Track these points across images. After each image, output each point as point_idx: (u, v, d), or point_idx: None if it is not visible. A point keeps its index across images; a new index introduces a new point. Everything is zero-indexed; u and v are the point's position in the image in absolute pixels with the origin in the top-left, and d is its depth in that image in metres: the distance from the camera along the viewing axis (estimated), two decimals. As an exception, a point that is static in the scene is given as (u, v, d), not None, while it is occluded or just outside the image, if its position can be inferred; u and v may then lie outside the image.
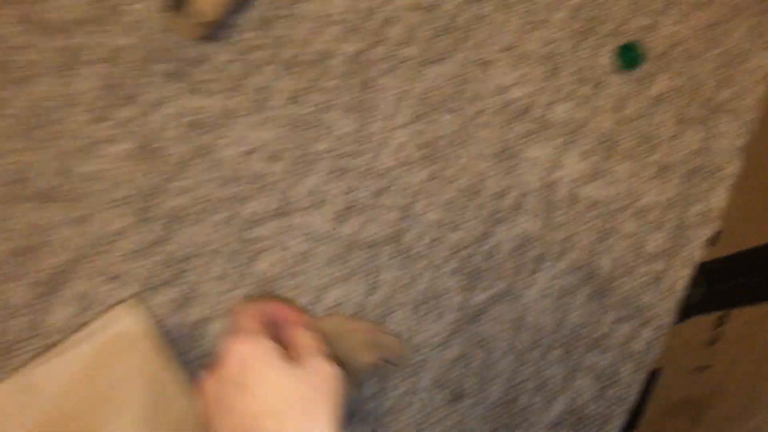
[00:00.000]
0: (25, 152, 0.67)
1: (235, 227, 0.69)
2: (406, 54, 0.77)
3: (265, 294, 0.68)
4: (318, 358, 0.40)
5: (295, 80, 0.73)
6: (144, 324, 0.49)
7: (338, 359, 0.47)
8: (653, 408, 0.72)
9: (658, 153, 0.80)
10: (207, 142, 0.70)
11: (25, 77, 0.69)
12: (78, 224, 0.66)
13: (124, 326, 0.49)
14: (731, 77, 0.84)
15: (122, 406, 0.46)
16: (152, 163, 0.69)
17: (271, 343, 0.39)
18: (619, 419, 0.74)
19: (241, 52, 0.73)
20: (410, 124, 0.75)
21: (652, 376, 0.74)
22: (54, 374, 0.47)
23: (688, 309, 0.76)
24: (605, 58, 0.81)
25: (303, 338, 0.42)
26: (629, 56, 0.81)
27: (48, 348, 0.57)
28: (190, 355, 0.64)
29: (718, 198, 0.81)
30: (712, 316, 0.72)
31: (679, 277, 0.78)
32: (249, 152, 0.71)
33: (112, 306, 0.58)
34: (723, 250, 0.77)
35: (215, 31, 0.72)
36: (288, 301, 0.59)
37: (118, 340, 0.48)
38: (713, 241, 0.79)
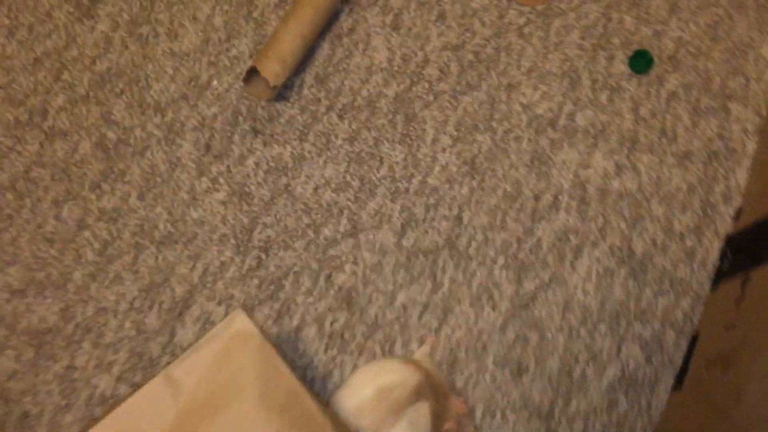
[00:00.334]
0: (144, 209, 0.84)
1: (316, 249, 0.84)
2: (441, 88, 0.90)
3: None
4: None
5: (349, 123, 0.88)
6: (252, 325, 0.63)
7: None
8: (695, 365, 0.81)
9: (677, 144, 0.90)
10: (285, 183, 0.85)
11: (136, 151, 0.86)
12: (191, 260, 0.82)
13: (238, 327, 0.63)
14: (739, 68, 0.93)
15: (242, 389, 0.60)
16: (243, 205, 0.84)
17: None
18: (667, 381, 0.83)
19: (303, 106, 0.89)
20: (451, 147, 0.88)
21: (694, 339, 0.84)
22: (189, 370, 0.61)
23: (718, 277, 0.86)
24: (618, 66, 0.92)
25: None
26: (640, 62, 0.92)
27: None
28: (290, 356, 0.78)
29: (738, 177, 0.90)
30: (738, 280, 0.81)
31: (709, 251, 0.87)
32: (319, 187, 0.86)
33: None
34: (745, 222, 0.86)
35: (281, 92, 0.88)
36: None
37: (235, 338, 0.62)
38: (737, 216, 0.88)
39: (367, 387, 0.73)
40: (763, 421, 0.63)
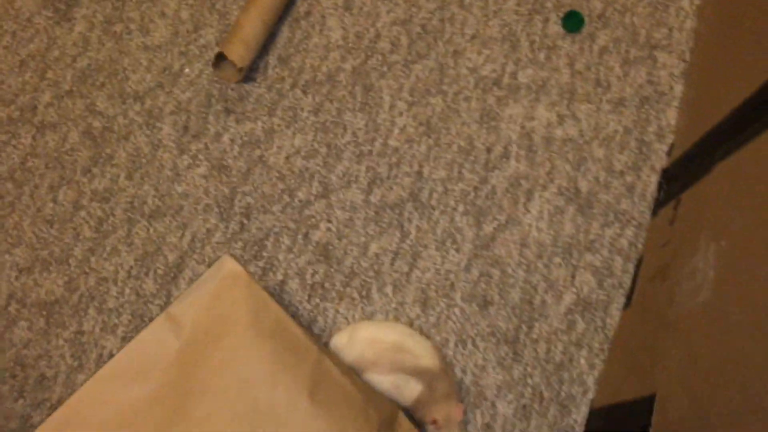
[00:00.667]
0: (133, 188, 0.92)
1: (292, 211, 0.92)
2: (394, 59, 0.99)
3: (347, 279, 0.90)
4: None
5: (313, 97, 0.97)
6: (240, 267, 0.72)
7: None
8: (640, 284, 0.91)
9: (611, 92, 1.00)
10: (258, 155, 0.94)
11: (120, 137, 0.94)
12: (180, 230, 0.90)
13: (228, 269, 0.71)
14: (662, 20, 1.03)
15: (235, 320, 0.68)
16: (223, 177, 0.93)
17: None
18: (618, 302, 0.92)
19: (269, 85, 0.97)
20: (407, 111, 0.97)
21: (639, 262, 0.93)
22: (187, 308, 0.69)
23: (656, 206, 0.95)
24: (553, 28, 1.02)
25: None
26: (572, 22, 1.02)
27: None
28: (277, 306, 0.86)
29: (669, 117, 0.99)
30: (671, 205, 0.90)
31: (647, 184, 0.96)
32: (290, 155, 0.94)
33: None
34: (676, 155, 0.96)
35: (248, 74, 0.97)
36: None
37: (226, 279, 0.71)
38: (669, 151, 0.98)
39: (392, 335, 0.81)
40: (688, 313, 0.72)
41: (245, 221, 0.91)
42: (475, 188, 0.94)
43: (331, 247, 0.91)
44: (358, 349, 0.80)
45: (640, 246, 0.93)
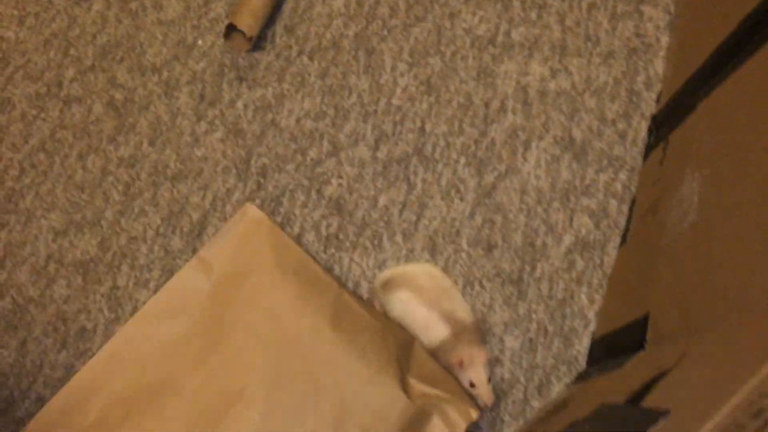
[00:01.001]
0: (156, 153, 0.99)
1: (305, 169, 0.98)
2: (393, 24, 1.05)
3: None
4: None
5: (319, 62, 1.03)
6: (262, 213, 0.78)
7: None
8: (634, 222, 0.97)
9: (600, 46, 1.05)
10: (271, 118, 1.00)
11: (141, 107, 1.01)
12: (201, 191, 0.97)
13: (252, 216, 0.78)
14: (647, -24, 1.08)
15: (261, 260, 0.75)
16: (239, 140, 0.99)
17: None
18: (615, 241, 0.97)
19: (278, 53, 1.03)
20: (408, 72, 1.03)
21: (632, 203, 0.99)
22: (217, 251, 0.76)
23: (647, 150, 1.01)
24: (541, -13, 1.07)
25: None
26: (561, -18, 1.07)
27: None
28: (295, 257, 0.92)
29: (656, 67, 1.05)
30: (660, 147, 0.96)
31: (638, 131, 1.02)
32: (300, 118, 1.01)
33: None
34: (664, 101, 1.02)
35: (257, 43, 1.03)
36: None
37: (250, 224, 0.77)
38: (658, 98, 1.04)
39: (446, 280, 0.85)
40: (677, 238, 0.78)
41: (262, 180, 0.98)
42: (476, 141, 1.00)
43: (342, 201, 0.97)
44: (417, 269, 0.85)
45: (633, 188, 0.99)
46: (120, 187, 0.97)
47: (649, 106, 1.02)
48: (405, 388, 0.71)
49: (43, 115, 1.00)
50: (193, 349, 0.72)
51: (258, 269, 0.74)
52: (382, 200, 0.97)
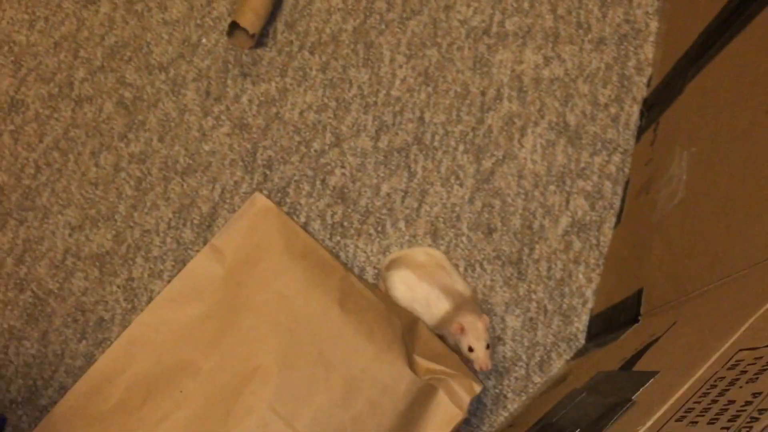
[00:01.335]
0: (165, 149, 1.02)
1: (309, 160, 1.02)
2: (390, 17, 1.09)
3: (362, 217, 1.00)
4: None
5: (319, 56, 1.07)
6: (270, 202, 0.82)
7: None
8: (627, 202, 1.00)
9: (591, 33, 1.09)
10: (275, 112, 1.04)
11: (150, 104, 1.04)
12: (210, 183, 1.01)
13: (260, 204, 0.82)
14: (636, -36, 1.11)
15: (270, 246, 0.79)
16: (244, 134, 1.03)
17: None
18: (610, 221, 1.01)
19: (279, 48, 1.07)
20: (406, 63, 1.07)
21: (626, 185, 1.02)
22: (228, 239, 0.80)
23: (639, 133, 1.05)
24: (532, -22, 1.10)
25: None
26: (552, -28, 1.10)
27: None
28: (302, 244, 0.96)
29: (646, 52, 1.08)
30: (652, 128, 1.00)
31: (630, 114, 1.05)
32: (303, 111, 1.04)
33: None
34: (654, 85, 1.05)
35: (259, 40, 1.06)
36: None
37: (259, 212, 0.81)
38: (648, 82, 1.07)
39: (442, 257, 0.87)
40: (667, 214, 0.82)
41: (268, 172, 1.01)
42: (473, 129, 1.04)
43: (346, 190, 1.01)
44: (416, 250, 0.89)
45: (626, 170, 1.03)
46: (132, 183, 1.01)
47: (640, 89, 1.05)
48: (411, 364, 0.75)
49: (56, 115, 1.04)
50: (209, 332, 0.76)
51: (268, 255, 0.78)
52: (385, 188, 1.01)
